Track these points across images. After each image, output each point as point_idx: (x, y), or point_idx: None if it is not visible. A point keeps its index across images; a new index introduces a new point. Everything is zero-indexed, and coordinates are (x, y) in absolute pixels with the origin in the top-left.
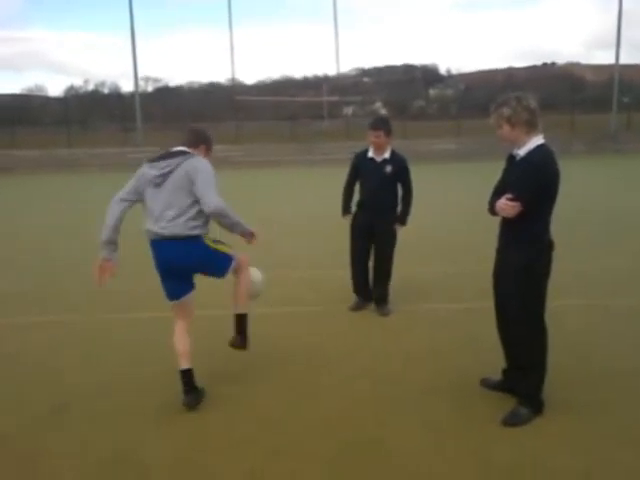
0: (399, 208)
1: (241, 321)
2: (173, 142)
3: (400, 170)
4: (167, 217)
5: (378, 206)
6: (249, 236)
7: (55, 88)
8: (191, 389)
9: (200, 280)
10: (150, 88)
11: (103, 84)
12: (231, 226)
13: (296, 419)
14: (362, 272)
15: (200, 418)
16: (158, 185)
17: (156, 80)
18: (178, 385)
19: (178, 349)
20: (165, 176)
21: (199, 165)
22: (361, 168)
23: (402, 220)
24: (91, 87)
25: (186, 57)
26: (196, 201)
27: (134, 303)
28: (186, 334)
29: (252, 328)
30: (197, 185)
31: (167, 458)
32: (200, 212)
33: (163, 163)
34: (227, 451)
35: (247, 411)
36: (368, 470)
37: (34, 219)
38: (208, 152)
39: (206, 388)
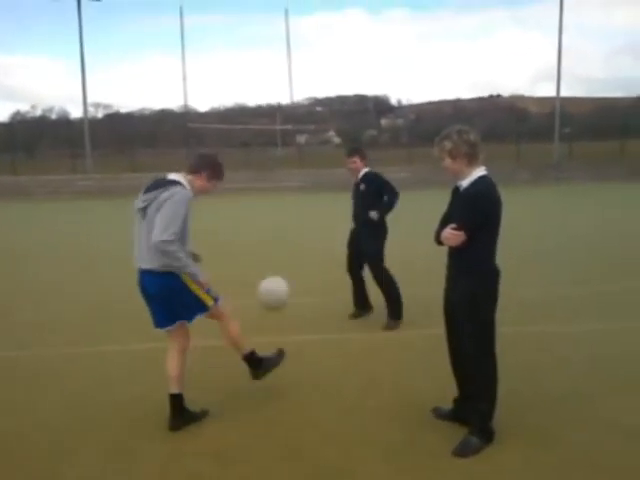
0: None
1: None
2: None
3: (374, 186)
4: (147, 250)
5: (359, 222)
6: (197, 283)
7: (0, 113)
8: (176, 414)
9: None
10: (100, 114)
11: (51, 110)
12: (174, 268)
13: (259, 450)
14: (353, 281)
15: (153, 450)
16: (142, 217)
17: (107, 106)
18: (129, 420)
19: (167, 372)
20: (146, 209)
21: (170, 197)
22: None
23: (378, 209)
24: (39, 112)
25: (138, 84)
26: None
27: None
28: (175, 358)
29: (207, 359)
30: (158, 215)
31: None
32: (180, 244)
33: (145, 196)
34: None
35: (207, 444)
36: None
37: None
38: (211, 180)
39: (162, 418)
